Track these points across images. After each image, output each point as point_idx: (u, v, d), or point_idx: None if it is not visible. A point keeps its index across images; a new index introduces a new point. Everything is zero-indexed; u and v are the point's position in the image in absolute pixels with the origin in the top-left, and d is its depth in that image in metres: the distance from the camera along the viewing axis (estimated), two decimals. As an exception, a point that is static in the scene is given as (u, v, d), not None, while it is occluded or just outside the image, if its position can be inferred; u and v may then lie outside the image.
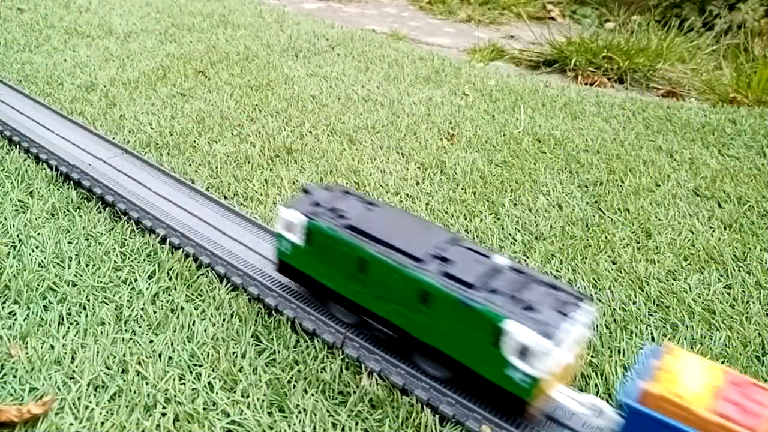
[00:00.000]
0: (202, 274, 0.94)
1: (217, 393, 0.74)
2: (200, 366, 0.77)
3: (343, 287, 0.82)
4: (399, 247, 0.76)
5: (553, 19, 3.34)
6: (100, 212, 1.07)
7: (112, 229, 1.04)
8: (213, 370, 0.77)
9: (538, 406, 0.69)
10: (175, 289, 0.91)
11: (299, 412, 0.72)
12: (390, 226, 0.80)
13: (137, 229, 1.03)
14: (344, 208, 0.83)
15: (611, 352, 0.86)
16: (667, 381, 0.59)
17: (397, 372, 0.77)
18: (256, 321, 0.85)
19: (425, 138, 1.54)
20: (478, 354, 0.70)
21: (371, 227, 0.79)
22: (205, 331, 0.83)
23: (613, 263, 1.08)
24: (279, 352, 0.80)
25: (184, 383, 0.75)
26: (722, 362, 0.85)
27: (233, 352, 0.80)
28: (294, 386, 0.75)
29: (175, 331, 0.82)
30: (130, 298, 0.88)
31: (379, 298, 0.79)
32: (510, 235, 1.14)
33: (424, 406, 0.73)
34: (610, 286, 1.01)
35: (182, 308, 0.87)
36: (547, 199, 1.28)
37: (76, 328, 0.82)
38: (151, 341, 0.81)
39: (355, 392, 0.75)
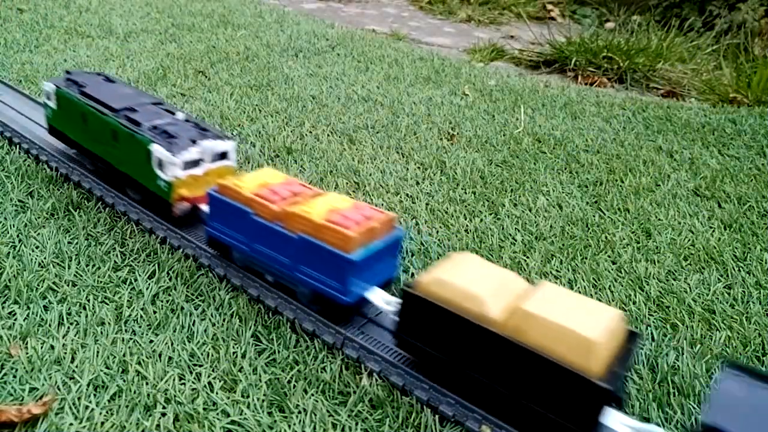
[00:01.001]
0: (202, 274, 0.94)
1: (217, 393, 0.74)
2: (200, 366, 0.77)
3: (79, 137, 1.13)
4: (105, 102, 1.05)
5: (553, 19, 3.34)
6: (100, 212, 1.07)
7: (112, 229, 1.04)
8: (213, 370, 0.77)
9: (179, 207, 0.98)
10: (175, 289, 0.91)
11: (299, 412, 0.72)
12: (113, 93, 1.10)
13: (137, 229, 1.03)
14: (86, 82, 1.13)
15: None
16: (243, 181, 0.88)
17: (397, 372, 0.77)
18: (256, 321, 0.85)
19: (425, 138, 1.54)
20: (144, 172, 0.99)
21: (97, 93, 1.09)
22: (205, 331, 0.83)
23: (613, 263, 1.08)
24: (279, 352, 0.80)
25: (184, 383, 0.75)
26: (721, 362, 0.85)
27: (233, 352, 0.80)
28: (294, 386, 0.75)
29: (175, 331, 0.82)
30: (130, 298, 0.88)
31: (96, 142, 1.09)
32: (510, 235, 1.14)
33: (424, 406, 0.73)
34: (610, 286, 1.01)
35: (182, 308, 0.87)
36: (547, 199, 1.28)
37: (76, 328, 0.82)
38: (151, 341, 0.81)
39: (355, 392, 0.75)
